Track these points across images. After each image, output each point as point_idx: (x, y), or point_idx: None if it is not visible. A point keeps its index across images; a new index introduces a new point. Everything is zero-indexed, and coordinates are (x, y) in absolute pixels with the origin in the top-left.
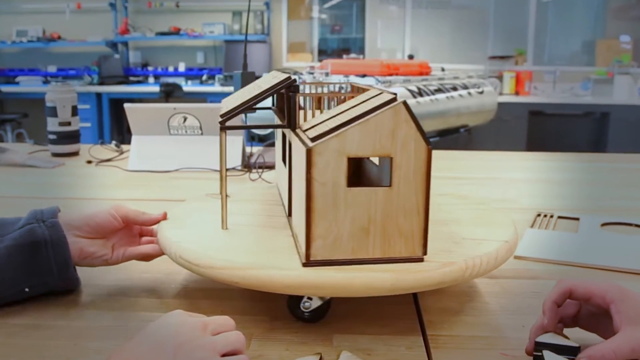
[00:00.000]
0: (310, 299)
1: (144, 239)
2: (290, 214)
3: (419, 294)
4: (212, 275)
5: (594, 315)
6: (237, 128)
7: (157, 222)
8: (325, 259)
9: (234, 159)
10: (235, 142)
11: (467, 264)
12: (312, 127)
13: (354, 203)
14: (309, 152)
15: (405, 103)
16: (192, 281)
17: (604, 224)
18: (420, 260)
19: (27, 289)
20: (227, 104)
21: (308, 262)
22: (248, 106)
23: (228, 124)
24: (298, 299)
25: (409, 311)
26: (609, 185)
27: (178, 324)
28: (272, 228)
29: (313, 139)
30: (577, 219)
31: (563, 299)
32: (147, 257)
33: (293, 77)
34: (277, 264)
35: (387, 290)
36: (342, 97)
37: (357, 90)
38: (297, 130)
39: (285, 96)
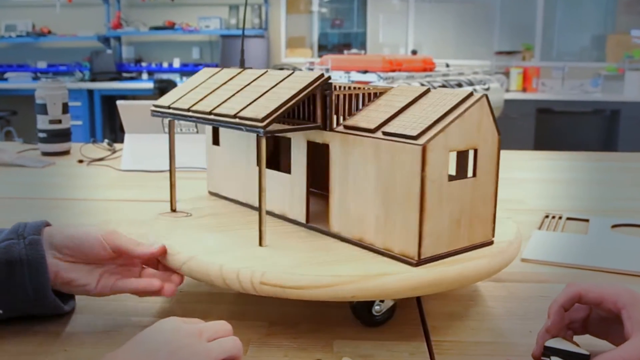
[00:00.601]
0: (382, 301)
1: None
2: (308, 220)
3: (423, 298)
4: (317, 296)
5: (605, 321)
6: (280, 132)
7: (154, 256)
8: (430, 256)
9: None
10: None
11: (518, 240)
12: (381, 124)
13: (451, 196)
14: (423, 150)
15: (487, 97)
16: (187, 285)
17: (614, 226)
18: (491, 243)
19: (0, 311)
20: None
21: (419, 262)
22: (289, 107)
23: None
24: (368, 304)
25: (412, 316)
26: (619, 185)
27: (173, 330)
28: (299, 237)
29: (417, 137)
30: (587, 220)
31: (571, 303)
32: (154, 293)
33: (322, 75)
34: (379, 270)
35: (485, 275)
36: (377, 93)
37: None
38: (348, 130)
39: (320, 95)
